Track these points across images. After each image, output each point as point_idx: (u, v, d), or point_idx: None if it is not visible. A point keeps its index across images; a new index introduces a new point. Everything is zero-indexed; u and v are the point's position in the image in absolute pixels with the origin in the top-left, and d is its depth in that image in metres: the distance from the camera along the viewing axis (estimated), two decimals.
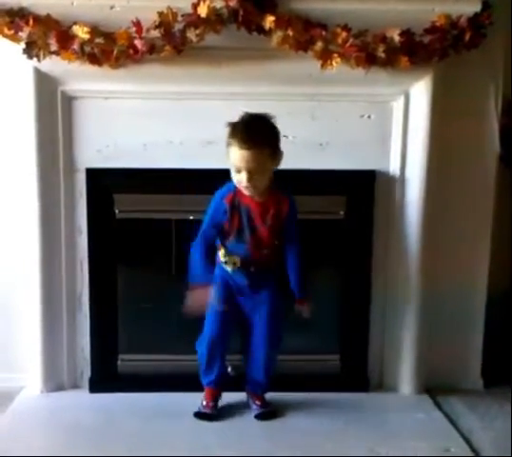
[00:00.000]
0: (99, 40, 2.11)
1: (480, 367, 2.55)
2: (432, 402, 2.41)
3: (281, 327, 2.25)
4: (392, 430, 2.20)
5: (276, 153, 2.06)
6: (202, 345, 2.24)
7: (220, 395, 2.30)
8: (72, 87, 2.29)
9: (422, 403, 2.40)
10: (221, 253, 2.18)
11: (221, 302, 2.16)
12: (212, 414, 2.23)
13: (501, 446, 2.10)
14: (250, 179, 2.01)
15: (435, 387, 2.49)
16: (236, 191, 2.09)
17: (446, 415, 2.30)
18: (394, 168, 2.39)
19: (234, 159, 2.01)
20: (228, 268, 2.18)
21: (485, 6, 2.17)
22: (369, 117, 2.37)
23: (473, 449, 2.07)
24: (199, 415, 2.23)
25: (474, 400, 2.44)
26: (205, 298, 2.12)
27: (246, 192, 2.07)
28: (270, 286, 2.21)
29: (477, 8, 2.16)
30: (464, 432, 2.18)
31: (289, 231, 2.16)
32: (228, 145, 2.02)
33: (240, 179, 2.03)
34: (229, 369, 2.34)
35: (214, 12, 2.07)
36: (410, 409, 2.35)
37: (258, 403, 2.28)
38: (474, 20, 2.18)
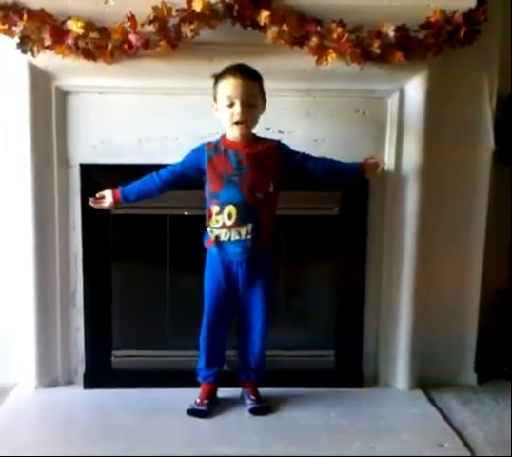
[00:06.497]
0: (93, 35, 2.10)
1: (473, 362, 2.56)
2: (426, 397, 2.41)
3: (271, 305, 2.23)
4: (386, 425, 2.20)
5: (264, 95, 2.11)
6: (203, 337, 2.23)
7: (216, 391, 2.30)
8: (67, 82, 2.28)
9: (416, 398, 2.41)
10: (209, 230, 2.14)
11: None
12: (205, 411, 2.22)
13: (494, 441, 2.11)
14: (243, 111, 2.03)
15: (429, 382, 2.50)
16: (220, 140, 2.13)
17: (440, 410, 2.31)
18: (389, 163, 2.39)
19: (227, 91, 2.04)
20: (222, 235, 2.11)
21: (480, 1, 2.16)
22: (364, 113, 2.37)
23: (466, 444, 2.07)
24: (192, 412, 2.22)
25: (468, 395, 2.45)
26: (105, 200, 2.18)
27: (234, 132, 2.08)
28: (265, 269, 2.18)
29: (472, 3, 2.16)
30: (458, 427, 2.19)
31: (302, 157, 2.14)
32: (219, 81, 2.07)
33: (232, 112, 2.04)
34: (224, 365, 2.34)
35: (209, 7, 2.07)
36: (404, 405, 2.35)
37: (253, 397, 2.27)
38: (469, 16, 2.18)
